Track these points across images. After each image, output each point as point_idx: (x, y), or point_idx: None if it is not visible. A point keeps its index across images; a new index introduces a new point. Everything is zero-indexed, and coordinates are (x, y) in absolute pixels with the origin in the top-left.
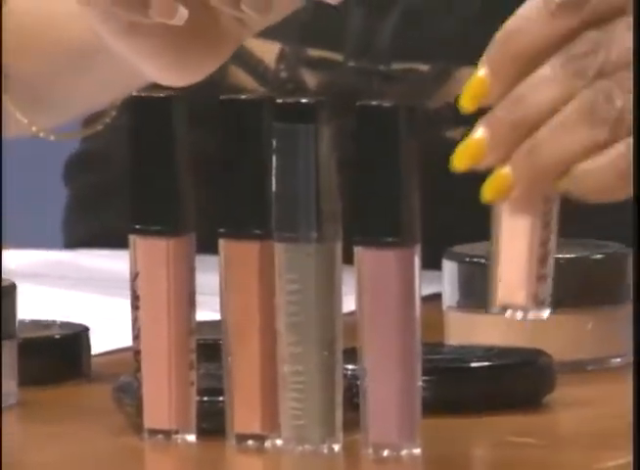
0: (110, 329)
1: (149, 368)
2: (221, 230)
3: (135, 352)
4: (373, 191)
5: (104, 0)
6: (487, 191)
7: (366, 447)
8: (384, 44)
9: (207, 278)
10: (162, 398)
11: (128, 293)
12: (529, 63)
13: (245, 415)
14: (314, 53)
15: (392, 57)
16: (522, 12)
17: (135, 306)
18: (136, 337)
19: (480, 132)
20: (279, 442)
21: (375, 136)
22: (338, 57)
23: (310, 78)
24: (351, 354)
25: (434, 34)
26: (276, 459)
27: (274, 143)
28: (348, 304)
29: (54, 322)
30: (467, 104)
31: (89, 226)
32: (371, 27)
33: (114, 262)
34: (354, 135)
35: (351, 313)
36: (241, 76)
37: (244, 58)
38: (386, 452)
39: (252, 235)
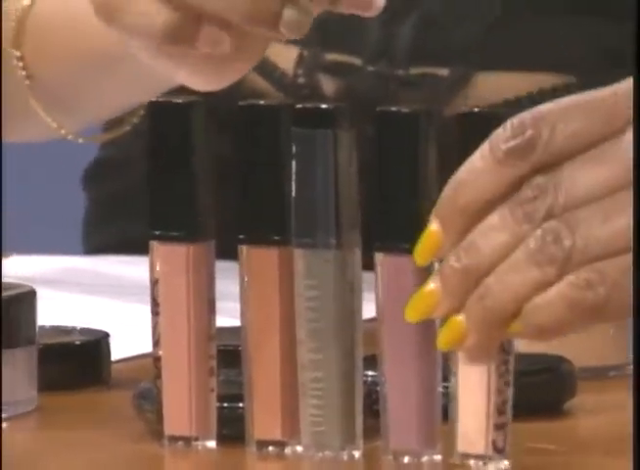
0: (130, 335)
1: (169, 375)
2: (241, 236)
3: (155, 358)
4: (392, 197)
5: (150, 36)
6: (442, 340)
7: (386, 454)
8: (402, 49)
9: (227, 284)
10: (183, 404)
11: (148, 299)
12: (478, 213)
13: (265, 421)
14: (332, 57)
15: (411, 61)
16: (469, 162)
17: (155, 313)
18: (156, 343)
19: (432, 283)
20: (299, 448)
21: (394, 141)
22: (356, 61)
23: (328, 84)
24: (371, 361)
25: (452, 39)
26: (296, 466)
27: (293, 148)
28: (369, 310)
29: (74, 328)
30: (420, 258)
31: (109, 233)
32: (389, 32)
33: (134, 269)
34: (374, 141)
35: (372, 320)
36: (258, 82)
37: (260, 63)
38: (406, 459)
39: (272, 241)
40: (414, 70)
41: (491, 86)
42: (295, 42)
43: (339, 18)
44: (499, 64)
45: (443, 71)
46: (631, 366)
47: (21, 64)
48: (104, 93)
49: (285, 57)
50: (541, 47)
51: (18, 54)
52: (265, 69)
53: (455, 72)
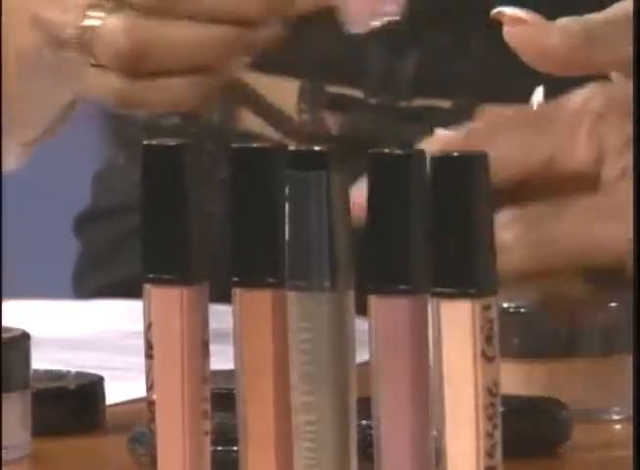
0: (124, 379)
1: (163, 418)
2: (234, 279)
3: (149, 402)
4: (385, 238)
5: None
6: None
7: None
8: (404, 81)
9: (221, 327)
10: (177, 447)
11: (142, 343)
12: None
13: (259, 464)
14: (334, 90)
15: (413, 93)
16: None
17: (149, 356)
18: (150, 387)
19: None
20: None
21: (386, 183)
22: (358, 94)
23: (331, 119)
24: (365, 404)
25: (455, 71)
26: None
27: (286, 190)
28: (362, 353)
29: (68, 372)
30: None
31: (102, 278)
32: (391, 64)
33: (127, 313)
34: (367, 182)
35: (365, 363)
36: (253, 121)
37: (256, 101)
38: None
39: (265, 284)
40: (417, 103)
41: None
42: (295, 74)
43: (340, 48)
44: (502, 95)
45: (446, 104)
46: (629, 409)
47: None
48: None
49: (285, 90)
50: (542, 79)
51: None
52: (266, 111)
53: (458, 104)
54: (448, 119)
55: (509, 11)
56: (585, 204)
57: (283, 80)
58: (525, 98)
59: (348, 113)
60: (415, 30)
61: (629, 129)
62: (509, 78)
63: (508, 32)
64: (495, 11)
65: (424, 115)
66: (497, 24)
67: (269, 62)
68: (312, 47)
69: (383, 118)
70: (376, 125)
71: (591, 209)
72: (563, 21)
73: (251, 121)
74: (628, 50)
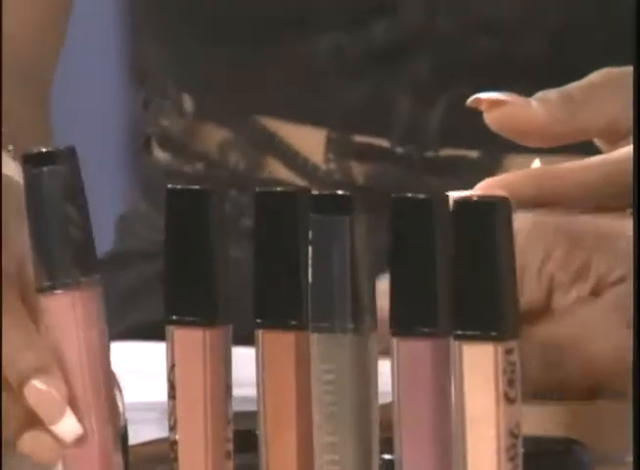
0: (147, 420)
1: (186, 458)
2: (257, 321)
3: (172, 442)
4: (408, 282)
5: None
6: None
7: None
8: (431, 131)
9: (244, 369)
10: None
11: (165, 384)
12: None
13: None
14: (361, 139)
15: (441, 143)
16: None
17: (172, 397)
18: (172, 427)
19: None
20: None
21: (408, 227)
22: (385, 143)
23: (358, 169)
24: (388, 444)
25: (482, 121)
26: None
27: (310, 234)
28: (386, 394)
29: None
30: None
31: (124, 320)
32: (418, 114)
33: (150, 355)
34: (390, 226)
35: (388, 404)
36: (279, 169)
37: (282, 150)
38: None
39: (288, 326)
40: (443, 153)
41: (523, 168)
42: (322, 124)
43: (366, 99)
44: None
45: (474, 153)
46: None
47: None
48: None
49: (311, 139)
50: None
51: None
52: (292, 159)
53: (486, 155)
54: (475, 170)
55: (485, 96)
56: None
57: (310, 129)
58: (552, 149)
59: (375, 162)
60: (442, 81)
61: (577, 262)
62: None
63: (489, 117)
64: (471, 98)
65: (450, 165)
66: (524, 77)
67: (296, 110)
68: (339, 97)
69: (409, 168)
70: (402, 175)
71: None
72: (540, 94)
73: (276, 170)
74: (609, 115)
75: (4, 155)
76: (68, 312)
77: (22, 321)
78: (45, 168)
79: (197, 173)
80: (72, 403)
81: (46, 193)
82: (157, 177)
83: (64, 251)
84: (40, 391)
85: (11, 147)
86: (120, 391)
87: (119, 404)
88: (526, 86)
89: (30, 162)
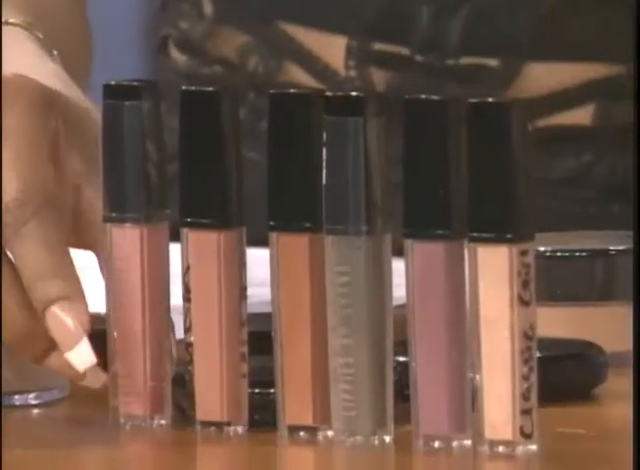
0: None
1: (201, 361)
2: (271, 223)
3: (187, 344)
4: (422, 184)
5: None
6: None
7: (417, 439)
8: (452, 39)
9: (258, 271)
10: (215, 390)
11: (180, 286)
12: None
13: (296, 407)
14: (381, 47)
15: (461, 52)
16: None
17: (187, 299)
18: (188, 329)
19: None
20: (330, 433)
21: (423, 129)
22: (405, 51)
23: (378, 76)
24: (402, 347)
25: (502, 30)
26: (327, 451)
27: (324, 136)
28: (399, 296)
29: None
30: None
31: None
32: (439, 22)
33: None
34: (404, 128)
35: (402, 306)
36: (298, 75)
37: (307, 59)
38: (437, 444)
39: (303, 228)
40: (464, 61)
41: (542, 77)
42: (342, 31)
43: (386, 6)
44: (550, 54)
45: (494, 62)
46: None
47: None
48: None
49: (331, 46)
50: (592, 38)
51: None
52: (312, 64)
53: (506, 63)
54: (494, 78)
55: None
56: None
57: (330, 36)
58: (573, 57)
59: (395, 70)
60: None
61: None
62: (557, 37)
63: None
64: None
65: (470, 73)
66: None
67: (317, 17)
68: (361, 4)
69: (429, 76)
70: (422, 83)
71: None
72: None
73: (296, 75)
74: None
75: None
76: (136, 245)
77: (58, 249)
78: (127, 102)
79: (215, 76)
80: (130, 336)
81: (125, 127)
82: (173, 79)
83: (137, 186)
84: (59, 317)
85: (55, 52)
86: (173, 326)
87: (173, 339)
88: None
89: (111, 94)
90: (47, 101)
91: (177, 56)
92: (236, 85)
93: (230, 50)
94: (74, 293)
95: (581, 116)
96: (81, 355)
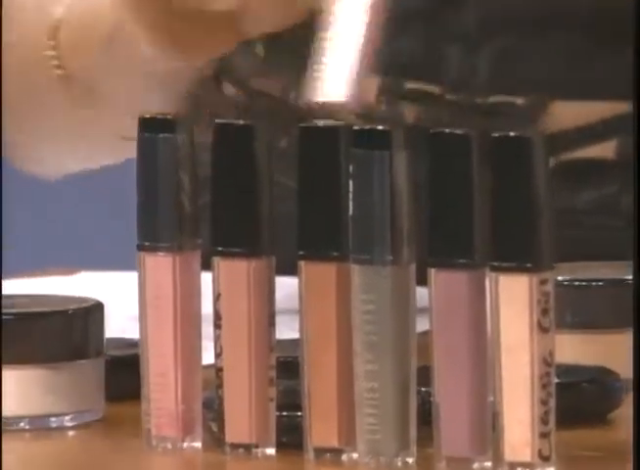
0: None
1: (230, 384)
2: (300, 252)
3: (217, 369)
4: (445, 215)
5: None
6: None
7: (439, 461)
8: (480, 78)
9: (286, 298)
10: (243, 413)
11: (211, 313)
12: None
13: (322, 429)
14: (412, 86)
15: (489, 91)
16: None
17: (217, 325)
18: (218, 355)
19: None
20: (355, 455)
21: (447, 162)
22: (436, 90)
23: (409, 111)
24: (425, 372)
25: (531, 69)
26: None
27: (351, 168)
28: (423, 323)
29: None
30: None
31: None
32: (468, 62)
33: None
34: (429, 160)
35: (425, 332)
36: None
37: None
38: (458, 466)
39: (330, 257)
40: (492, 99)
41: (567, 114)
42: (375, 72)
43: (418, 48)
44: (574, 92)
45: (520, 100)
46: None
47: (52, 53)
48: (131, 90)
49: (366, 85)
50: (613, 76)
51: (52, 43)
52: None
53: (532, 101)
54: (521, 115)
55: None
56: None
57: (362, 79)
58: (596, 97)
59: (425, 106)
60: (491, 31)
61: None
62: (581, 77)
63: None
64: None
65: (498, 110)
66: (571, 26)
67: None
68: (394, 46)
69: (458, 113)
70: (451, 119)
71: None
72: None
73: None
74: None
75: None
76: (168, 273)
77: None
78: (161, 135)
79: (260, 108)
80: (163, 361)
81: (160, 159)
82: (223, 110)
83: (170, 215)
84: None
85: None
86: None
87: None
88: (573, 35)
89: (146, 126)
90: None
91: (229, 89)
92: (280, 117)
93: (274, 86)
94: None
95: (605, 149)
96: None
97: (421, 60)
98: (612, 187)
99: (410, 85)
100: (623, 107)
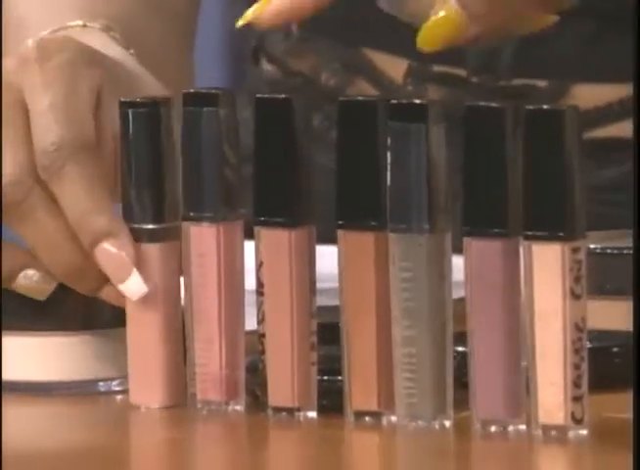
0: None
1: (273, 350)
2: (339, 222)
3: (260, 335)
4: (480, 185)
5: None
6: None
7: (475, 424)
8: (505, 62)
9: (327, 266)
10: (286, 377)
11: (253, 281)
12: None
13: (362, 393)
14: (439, 69)
15: (513, 74)
16: None
17: (260, 293)
18: (261, 321)
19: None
20: (394, 418)
21: (482, 134)
22: (461, 73)
23: (435, 92)
24: (461, 337)
25: (552, 53)
26: (391, 435)
27: (389, 141)
28: (458, 290)
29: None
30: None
31: None
32: (493, 46)
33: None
34: (464, 134)
35: (461, 299)
36: (367, 89)
37: (369, 71)
38: (493, 428)
39: (369, 226)
40: (515, 82)
41: (586, 95)
42: (404, 54)
43: None
44: (593, 74)
45: (543, 83)
46: None
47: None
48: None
49: (394, 67)
50: (630, 58)
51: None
52: (375, 76)
53: (554, 84)
54: (543, 97)
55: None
56: None
57: (392, 59)
58: (614, 79)
59: (451, 88)
60: None
61: None
62: (602, 60)
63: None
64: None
65: (521, 93)
66: (592, 11)
67: (385, 42)
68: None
69: (482, 95)
70: (476, 101)
71: None
72: None
73: (362, 87)
74: None
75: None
76: (212, 242)
77: (98, 188)
78: (205, 109)
79: (295, 86)
80: (207, 327)
81: (203, 132)
82: (261, 86)
83: (214, 187)
84: (108, 252)
85: (132, 51)
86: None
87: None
88: (591, 21)
89: (190, 101)
90: (90, 58)
91: (266, 66)
92: (311, 95)
93: (306, 66)
94: (119, 228)
95: (622, 129)
96: (134, 286)
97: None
98: (628, 165)
99: (437, 68)
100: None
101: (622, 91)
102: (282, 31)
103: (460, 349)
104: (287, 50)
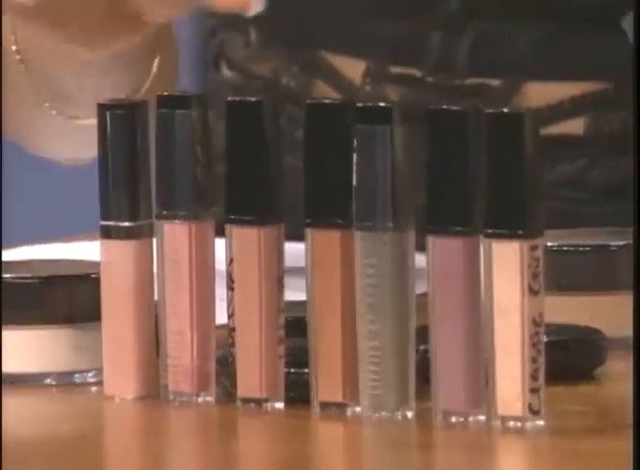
0: None
1: (242, 343)
2: (307, 220)
3: (230, 328)
4: (443, 185)
5: None
6: None
7: (436, 415)
8: (459, 62)
9: (294, 262)
10: (254, 369)
11: (224, 276)
12: None
13: (328, 385)
14: (396, 70)
15: (467, 73)
16: None
17: (230, 288)
18: (231, 315)
19: None
20: (358, 409)
21: (444, 136)
22: (417, 73)
23: (392, 93)
24: (423, 331)
25: (505, 52)
26: (356, 425)
27: (355, 142)
28: (421, 286)
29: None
30: None
31: None
32: (447, 47)
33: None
34: (428, 136)
35: (423, 294)
36: (327, 91)
37: (330, 74)
38: (454, 419)
39: (335, 225)
40: (469, 81)
41: (539, 94)
42: (362, 56)
43: (401, 33)
44: (545, 73)
45: (496, 82)
46: None
47: (14, 47)
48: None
49: (352, 69)
50: (582, 57)
51: (12, 37)
52: (335, 79)
53: (506, 83)
54: (496, 96)
55: None
56: None
57: (350, 61)
58: (566, 77)
59: (408, 88)
60: (469, 16)
61: None
62: (554, 59)
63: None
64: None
65: (475, 92)
66: (544, 11)
67: (342, 44)
68: (379, 32)
69: (438, 95)
70: (431, 101)
71: None
72: None
73: (323, 90)
74: None
75: None
76: (185, 240)
77: None
78: (178, 111)
79: (258, 89)
80: (179, 320)
81: (176, 133)
82: (223, 90)
83: (186, 186)
84: None
85: None
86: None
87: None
88: (544, 19)
89: (164, 103)
90: None
91: (226, 72)
92: (274, 97)
93: (267, 70)
94: None
95: (574, 126)
96: None
97: (403, 45)
98: (580, 162)
99: (394, 69)
100: (590, 85)
101: (574, 89)
102: (242, 38)
103: (424, 347)
104: (247, 56)
